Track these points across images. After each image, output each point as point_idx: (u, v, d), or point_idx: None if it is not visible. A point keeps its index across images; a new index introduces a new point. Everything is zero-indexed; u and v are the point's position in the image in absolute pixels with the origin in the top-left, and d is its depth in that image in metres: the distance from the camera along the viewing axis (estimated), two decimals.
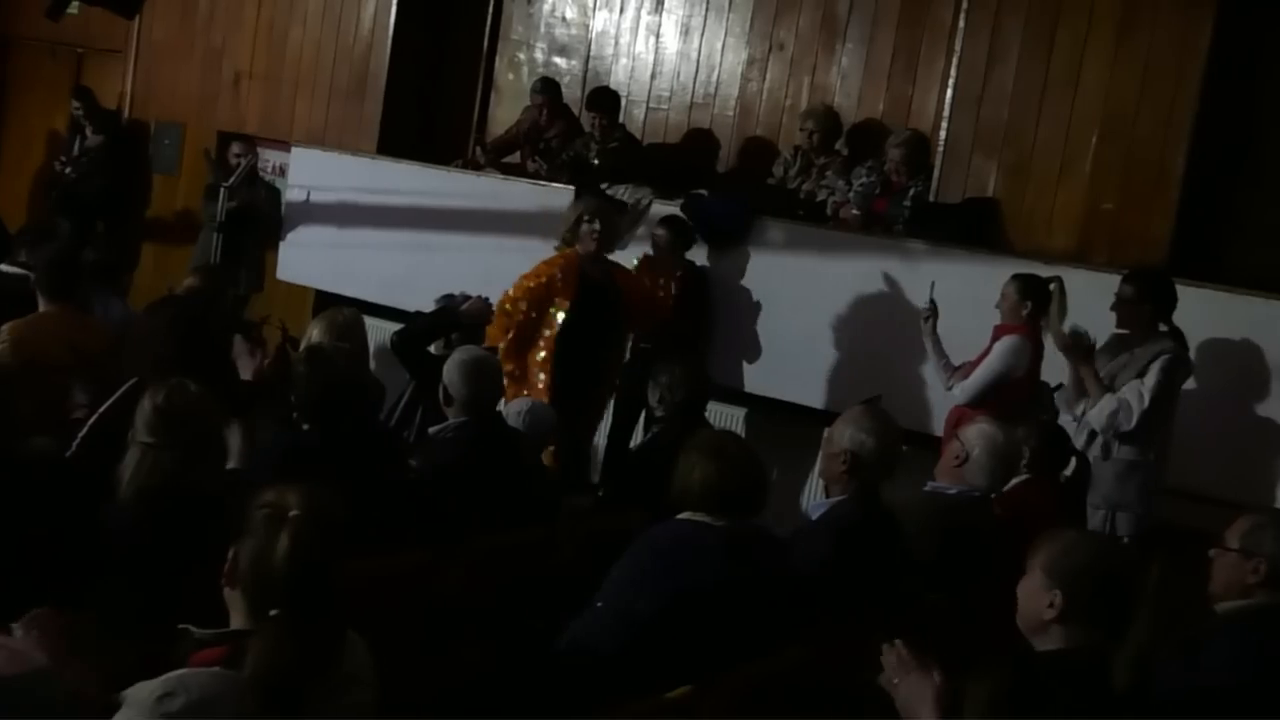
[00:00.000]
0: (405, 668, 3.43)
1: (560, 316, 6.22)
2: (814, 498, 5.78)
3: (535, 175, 8.24)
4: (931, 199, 7.20)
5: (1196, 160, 6.66)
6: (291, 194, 8.93)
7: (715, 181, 7.96)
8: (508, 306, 6.23)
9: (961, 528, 4.25)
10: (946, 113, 7.25)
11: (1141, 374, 5.42)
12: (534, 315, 6.22)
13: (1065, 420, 5.57)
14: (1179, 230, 6.64)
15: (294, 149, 9.04)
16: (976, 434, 4.43)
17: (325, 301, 8.16)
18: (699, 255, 7.23)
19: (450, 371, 4.65)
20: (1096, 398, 5.42)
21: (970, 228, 6.97)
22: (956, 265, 6.51)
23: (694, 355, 6.60)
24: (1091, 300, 5.98)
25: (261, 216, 8.73)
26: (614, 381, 6.73)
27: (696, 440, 3.61)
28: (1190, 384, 5.64)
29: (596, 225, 6.32)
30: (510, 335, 6.19)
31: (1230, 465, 5.88)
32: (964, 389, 5.76)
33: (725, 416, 7.16)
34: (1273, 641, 3.48)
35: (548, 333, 6.23)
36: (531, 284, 6.26)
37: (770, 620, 3.42)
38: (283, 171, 9.19)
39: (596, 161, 7.95)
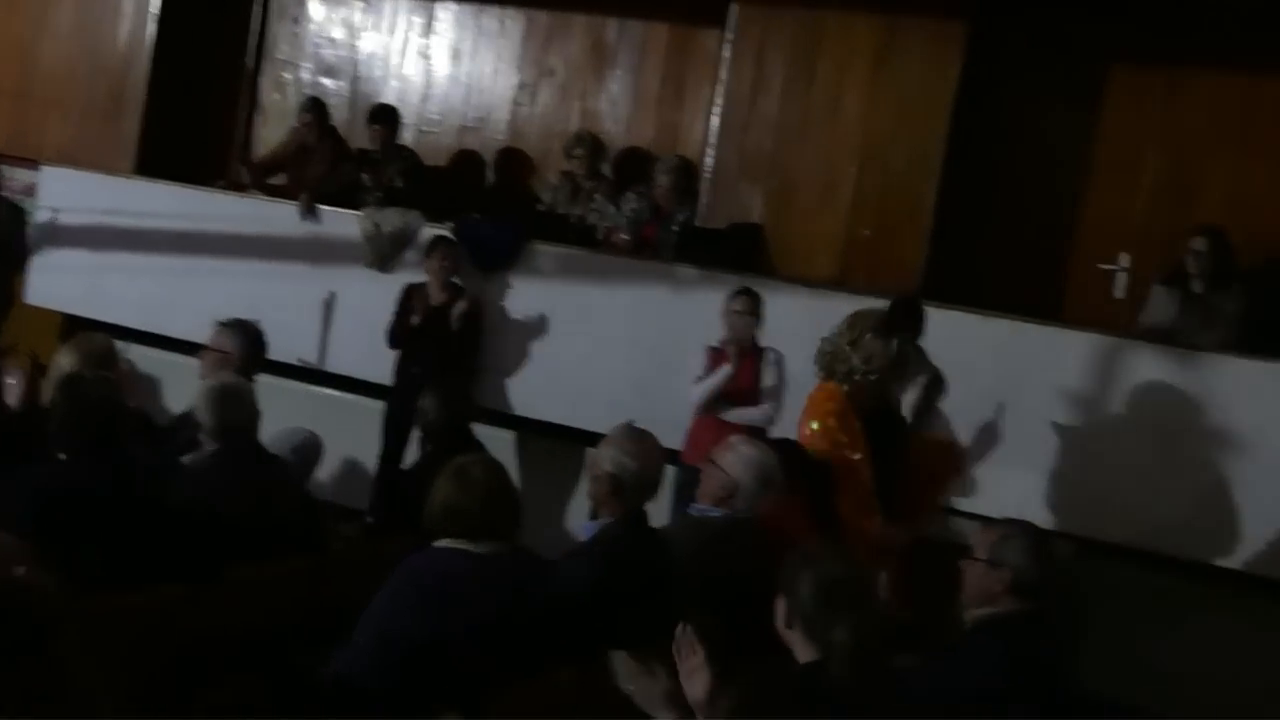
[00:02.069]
0: (161, 704, 3.30)
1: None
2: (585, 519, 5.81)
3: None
4: (699, 225, 7.33)
5: (948, 188, 6.96)
6: (40, 215, 8.54)
7: (485, 205, 7.95)
8: None
9: (729, 550, 4.32)
10: (713, 140, 7.40)
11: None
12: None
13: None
14: (932, 255, 6.92)
15: (43, 168, 8.64)
16: (742, 462, 4.46)
17: (75, 327, 7.82)
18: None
19: (198, 399, 4.52)
20: None
21: (737, 253, 7.12)
22: (725, 291, 6.65)
23: (457, 378, 6.55)
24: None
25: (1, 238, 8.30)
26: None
27: (447, 465, 3.58)
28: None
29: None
30: None
31: (976, 478, 6.14)
32: (775, 412, 5.98)
33: (496, 439, 7.13)
34: (1017, 647, 3.66)
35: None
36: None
37: (537, 644, 3.42)
38: (31, 191, 8.76)
39: (400, 184, 7.73)
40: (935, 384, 5.66)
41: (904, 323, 5.07)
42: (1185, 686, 5.77)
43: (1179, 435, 5.96)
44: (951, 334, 5.94)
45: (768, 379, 6.06)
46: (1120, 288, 7.02)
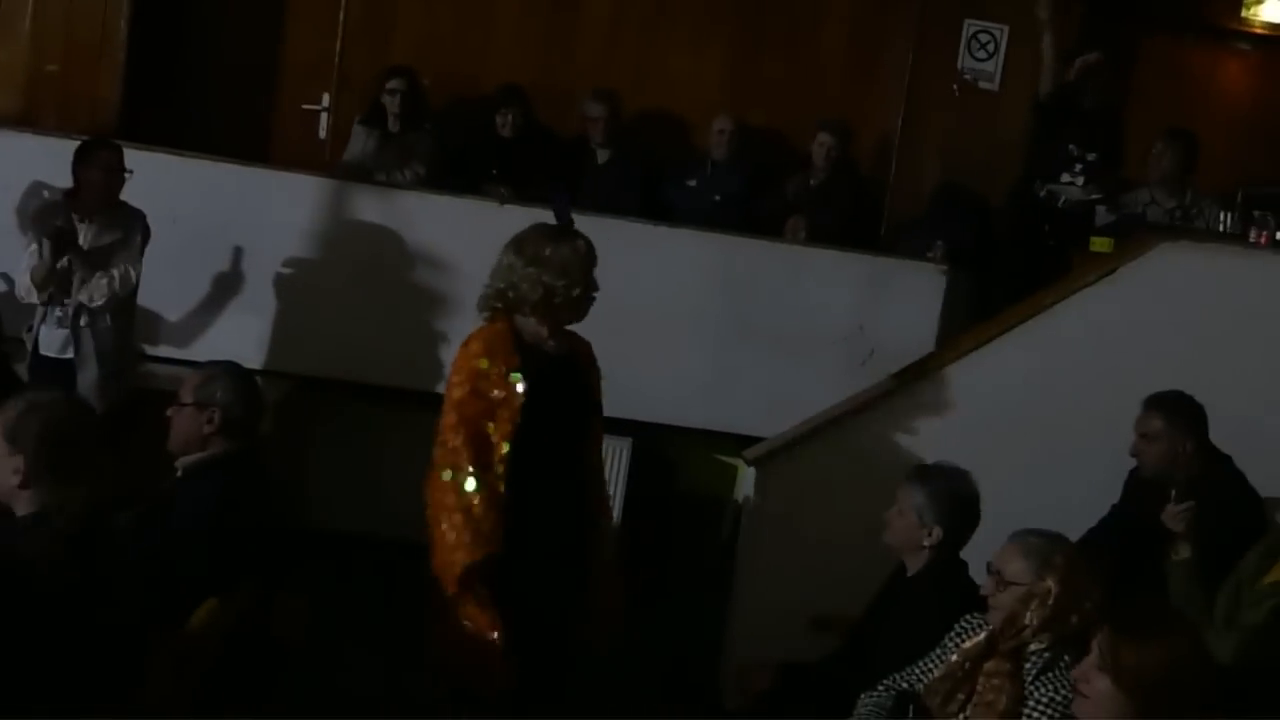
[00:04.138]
0: None
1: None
2: None
3: None
4: None
5: (140, 22, 6.66)
6: None
7: None
8: None
9: None
10: None
11: (126, 245, 5.37)
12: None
13: None
14: (128, 94, 6.61)
15: None
16: None
17: None
18: None
19: None
20: (86, 276, 5.30)
21: None
22: None
23: None
24: (42, 165, 5.79)
25: None
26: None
27: None
28: None
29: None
30: None
31: (187, 325, 6.05)
32: None
33: None
34: (231, 485, 3.67)
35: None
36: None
37: None
38: None
39: None
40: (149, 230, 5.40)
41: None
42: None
43: (383, 269, 6.18)
44: (156, 177, 5.69)
45: None
46: (323, 128, 7.14)
